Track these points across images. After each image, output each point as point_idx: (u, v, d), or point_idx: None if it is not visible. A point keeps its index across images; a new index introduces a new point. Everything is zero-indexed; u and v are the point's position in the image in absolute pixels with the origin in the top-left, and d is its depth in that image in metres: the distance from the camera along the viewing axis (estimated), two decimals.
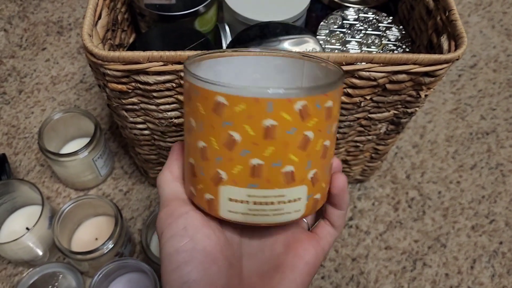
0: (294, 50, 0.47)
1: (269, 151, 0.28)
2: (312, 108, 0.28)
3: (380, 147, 0.54)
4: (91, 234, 0.57)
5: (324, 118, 0.29)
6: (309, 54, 0.34)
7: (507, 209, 0.64)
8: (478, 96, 0.75)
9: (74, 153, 0.56)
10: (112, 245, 0.51)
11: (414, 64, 0.40)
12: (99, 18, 0.43)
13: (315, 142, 0.29)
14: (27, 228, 0.55)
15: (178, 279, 0.29)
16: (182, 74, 0.39)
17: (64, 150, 0.63)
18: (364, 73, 0.40)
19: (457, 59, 0.41)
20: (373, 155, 0.56)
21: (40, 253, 0.55)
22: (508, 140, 0.70)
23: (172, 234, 0.30)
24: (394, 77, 0.41)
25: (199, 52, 0.36)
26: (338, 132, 0.50)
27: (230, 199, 0.30)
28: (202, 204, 0.32)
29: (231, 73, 0.35)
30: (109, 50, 0.46)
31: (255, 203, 0.30)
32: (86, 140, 0.59)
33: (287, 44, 0.48)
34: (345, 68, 0.40)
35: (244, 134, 0.28)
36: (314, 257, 0.33)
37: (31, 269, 0.52)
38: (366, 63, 0.40)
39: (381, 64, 0.40)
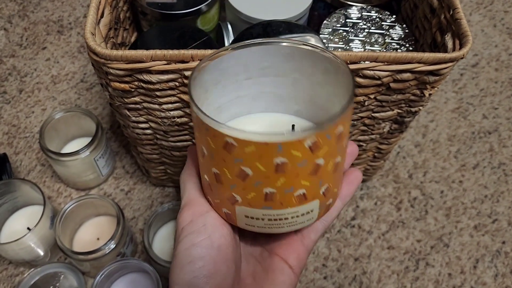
0: None
1: (280, 182, 0.29)
2: (322, 140, 0.28)
3: (383, 147, 0.54)
4: (93, 234, 0.57)
5: (334, 143, 0.29)
6: (319, 47, 0.34)
7: (510, 209, 0.64)
8: (480, 95, 0.74)
9: (76, 152, 0.55)
10: (114, 245, 0.51)
11: (419, 62, 0.40)
12: (102, 16, 0.43)
13: (326, 165, 0.29)
14: (28, 228, 0.55)
15: (189, 273, 0.30)
16: (185, 73, 0.39)
17: (65, 150, 0.63)
18: (368, 72, 0.40)
19: (462, 58, 0.40)
20: (376, 154, 0.56)
21: (42, 253, 0.55)
22: (510, 139, 0.70)
23: (191, 230, 0.32)
24: (399, 76, 0.41)
25: (201, 54, 0.36)
26: None
27: (246, 216, 0.31)
28: (220, 214, 0.33)
29: (238, 67, 0.35)
30: (111, 49, 0.45)
31: (269, 219, 0.31)
32: (87, 139, 0.59)
33: None
34: (350, 67, 0.39)
35: (256, 169, 0.28)
36: (297, 260, 0.34)
37: (32, 269, 0.52)
38: (371, 62, 0.39)
39: (386, 63, 0.40)
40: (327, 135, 0.28)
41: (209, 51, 0.37)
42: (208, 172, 0.31)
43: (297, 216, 0.31)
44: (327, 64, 0.33)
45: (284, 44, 0.34)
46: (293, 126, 0.36)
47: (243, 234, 0.37)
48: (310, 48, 0.34)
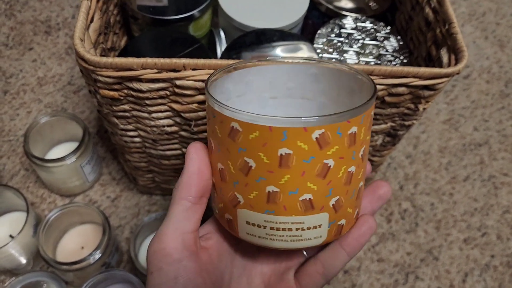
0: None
1: (285, 179, 0.27)
2: (332, 136, 0.27)
3: (375, 159, 0.53)
4: (77, 242, 0.55)
5: (346, 145, 0.27)
6: (346, 64, 0.32)
7: (499, 222, 0.63)
8: (471, 107, 0.74)
9: (61, 158, 0.54)
10: (100, 255, 0.49)
11: (415, 77, 0.39)
12: (91, 21, 0.41)
13: (336, 170, 0.28)
14: (11, 236, 0.53)
15: None
16: (177, 82, 0.38)
17: (50, 155, 0.61)
18: None
19: (458, 73, 0.40)
20: None
21: (24, 261, 0.54)
22: (500, 152, 0.70)
23: (161, 281, 0.29)
24: (394, 90, 0.40)
25: (224, 63, 0.35)
26: None
27: (248, 222, 0.29)
28: (223, 223, 0.32)
29: (264, 82, 0.34)
30: (101, 54, 0.44)
31: (272, 228, 0.29)
32: (73, 144, 0.58)
33: (281, 51, 0.47)
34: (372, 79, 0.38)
35: (259, 161, 0.27)
36: None
37: (13, 278, 0.50)
38: None
39: (381, 77, 0.39)
40: (337, 131, 0.27)
41: (201, 61, 0.36)
42: (214, 171, 0.30)
43: (303, 229, 0.29)
44: (352, 84, 0.32)
45: (312, 63, 0.33)
46: None
47: (241, 267, 0.34)
48: (336, 66, 0.32)
